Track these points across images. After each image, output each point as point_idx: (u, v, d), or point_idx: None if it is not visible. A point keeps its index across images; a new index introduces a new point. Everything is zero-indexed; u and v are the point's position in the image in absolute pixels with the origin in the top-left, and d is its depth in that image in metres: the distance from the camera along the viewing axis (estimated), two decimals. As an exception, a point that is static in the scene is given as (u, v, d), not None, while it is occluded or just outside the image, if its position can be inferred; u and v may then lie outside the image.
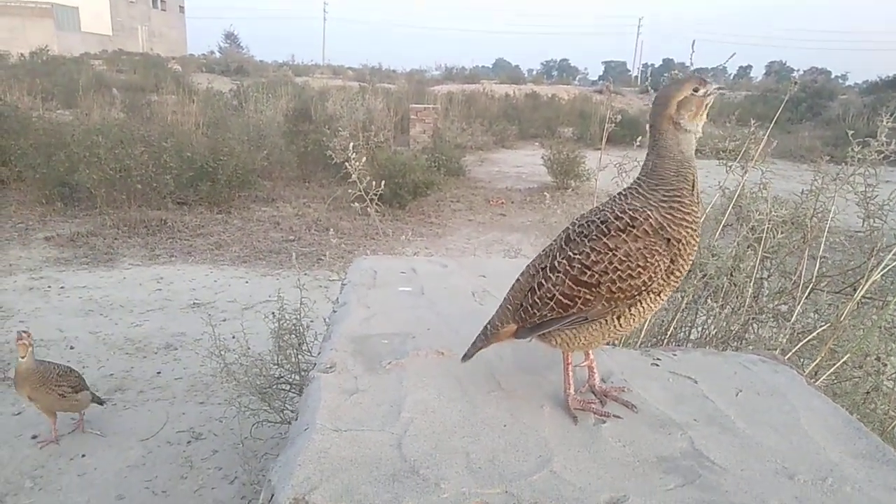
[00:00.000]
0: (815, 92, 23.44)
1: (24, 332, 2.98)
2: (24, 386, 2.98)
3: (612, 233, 1.24)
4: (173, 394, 3.74)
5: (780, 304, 2.51)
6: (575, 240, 1.30)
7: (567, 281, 1.27)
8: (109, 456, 3.12)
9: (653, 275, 1.23)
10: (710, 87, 1.27)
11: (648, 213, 1.23)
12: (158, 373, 4.00)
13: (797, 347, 2.22)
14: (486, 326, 1.47)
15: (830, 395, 1.67)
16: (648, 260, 1.22)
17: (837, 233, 2.50)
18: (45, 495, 2.81)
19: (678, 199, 1.24)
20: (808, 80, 26.53)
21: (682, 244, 1.24)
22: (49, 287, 5.41)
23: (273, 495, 1.05)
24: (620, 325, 1.30)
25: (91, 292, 5.33)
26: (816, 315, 2.37)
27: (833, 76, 43.50)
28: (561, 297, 1.29)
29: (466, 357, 1.49)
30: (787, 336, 2.29)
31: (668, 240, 1.23)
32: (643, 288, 1.24)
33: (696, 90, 1.26)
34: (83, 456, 3.11)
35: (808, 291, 2.39)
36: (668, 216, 1.23)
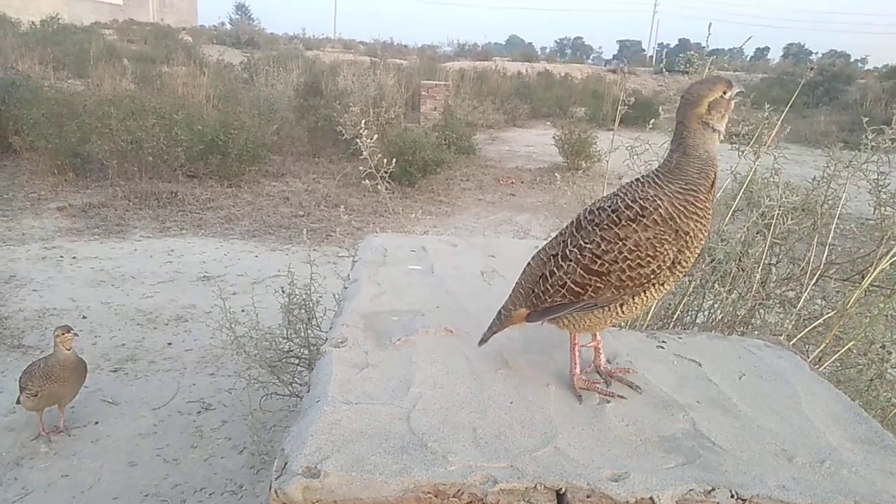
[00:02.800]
0: (833, 76, 23.00)
1: (69, 326, 2.95)
2: (71, 378, 2.94)
3: (623, 222, 1.26)
4: (184, 365, 3.81)
5: (788, 291, 2.51)
6: (586, 227, 1.32)
7: (578, 269, 1.30)
8: (121, 424, 3.19)
9: (661, 264, 1.25)
10: (734, 91, 1.29)
11: (659, 202, 1.25)
12: (169, 344, 4.06)
13: (802, 333, 2.24)
14: (499, 311, 1.50)
15: (834, 381, 1.69)
16: (658, 249, 1.24)
17: (848, 220, 2.50)
18: (59, 460, 2.88)
19: (693, 192, 1.25)
20: (826, 63, 26.05)
21: (690, 237, 1.25)
22: (61, 257, 5.47)
23: (286, 464, 1.08)
24: (623, 312, 1.34)
25: (103, 263, 5.40)
26: (823, 302, 2.38)
27: (852, 59, 42.71)
28: (573, 286, 1.31)
29: (483, 341, 1.52)
30: (794, 322, 2.30)
31: (677, 231, 1.25)
32: (652, 277, 1.26)
33: (724, 93, 1.28)
34: (96, 423, 3.19)
35: (815, 278, 2.39)
36: (681, 207, 1.24)
